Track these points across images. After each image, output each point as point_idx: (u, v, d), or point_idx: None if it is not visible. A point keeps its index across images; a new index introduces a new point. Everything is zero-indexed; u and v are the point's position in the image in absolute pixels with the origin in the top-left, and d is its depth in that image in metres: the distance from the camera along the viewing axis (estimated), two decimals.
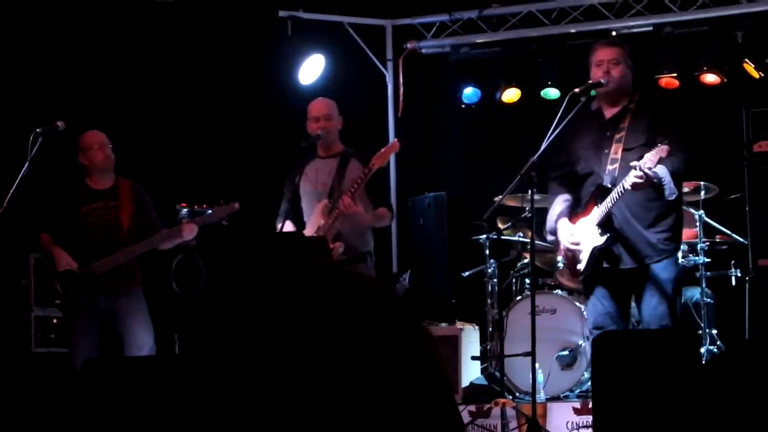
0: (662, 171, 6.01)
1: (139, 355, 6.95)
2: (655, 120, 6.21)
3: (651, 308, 6.22)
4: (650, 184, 6.03)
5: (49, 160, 7.03)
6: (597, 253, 6.26)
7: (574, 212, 6.40)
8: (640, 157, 5.94)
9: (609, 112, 6.37)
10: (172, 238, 7.14)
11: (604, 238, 6.21)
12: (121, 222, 7.15)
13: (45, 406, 7.11)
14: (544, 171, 6.59)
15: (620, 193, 6.11)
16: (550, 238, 6.72)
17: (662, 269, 6.20)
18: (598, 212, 6.24)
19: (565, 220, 6.40)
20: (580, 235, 6.31)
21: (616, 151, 6.19)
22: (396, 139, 7.04)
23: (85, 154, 7.22)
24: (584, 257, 6.29)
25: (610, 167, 6.19)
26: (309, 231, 6.91)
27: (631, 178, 5.98)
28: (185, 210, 7.15)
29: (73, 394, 6.34)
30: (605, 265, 6.28)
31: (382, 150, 7.00)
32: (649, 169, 5.91)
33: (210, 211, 7.11)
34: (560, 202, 6.49)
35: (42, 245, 7.19)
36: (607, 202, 6.19)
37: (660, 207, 6.18)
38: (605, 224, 6.23)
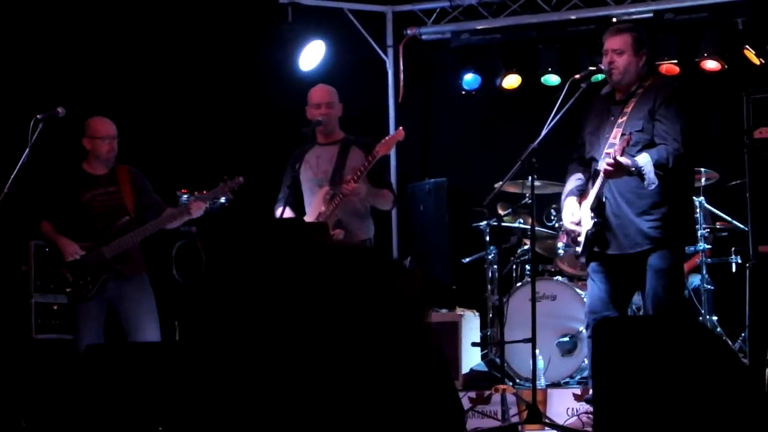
0: (643, 160, 5.98)
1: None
2: (655, 107, 6.18)
3: (648, 298, 6.21)
4: (627, 173, 6.01)
5: (49, 146, 7.02)
6: (590, 237, 6.26)
7: (582, 195, 6.40)
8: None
9: (618, 96, 6.37)
10: (179, 217, 7.14)
11: (593, 222, 6.22)
12: (125, 206, 7.17)
13: (46, 393, 7.12)
14: (548, 156, 6.59)
15: (603, 179, 6.13)
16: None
17: (658, 258, 6.16)
18: (590, 197, 6.26)
19: (572, 199, 6.40)
20: (581, 218, 6.33)
21: (615, 135, 6.17)
22: (401, 128, 7.02)
23: (92, 142, 7.22)
24: (581, 240, 6.31)
25: (607, 151, 6.17)
26: (310, 218, 6.91)
27: (602, 164, 6.00)
28: (185, 196, 7.15)
29: (74, 381, 6.35)
30: (596, 249, 6.29)
31: (387, 138, 7.00)
32: (631, 157, 5.94)
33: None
34: (572, 181, 6.48)
35: (44, 233, 7.17)
36: (596, 187, 6.20)
37: (655, 195, 6.11)
38: (597, 209, 6.23)
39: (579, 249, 6.35)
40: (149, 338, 7.08)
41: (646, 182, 6.00)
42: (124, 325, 7.18)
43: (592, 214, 6.23)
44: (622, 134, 6.10)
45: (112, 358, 6.43)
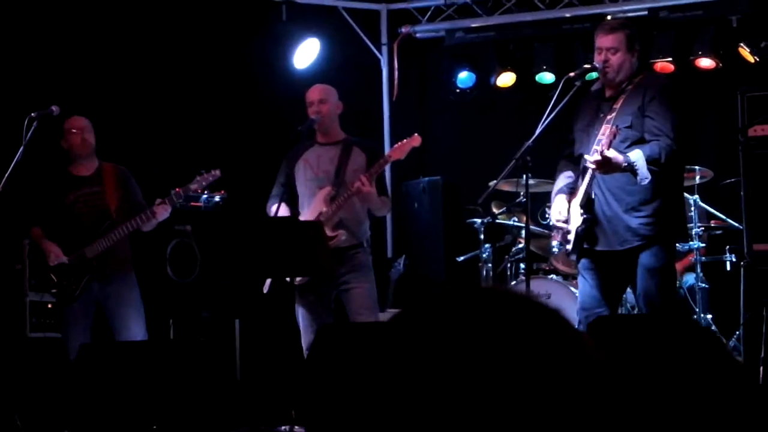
0: (635, 155, 5.94)
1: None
2: (645, 102, 6.16)
3: (640, 297, 6.17)
4: (619, 168, 5.99)
5: (43, 145, 7.00)
6: (580, 234, 6.22)
7: (572, 193, 6.37)
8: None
9: (607, 93, 6.34)
10: (147, 221, 7.08)
11: (582, 219, 6.19)
12: (108, 206, 7.13)
13: (40, 391, 7.12)
14: (542, 154, 6.57)
15: (591, 175, 6.10)
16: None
17: (649, 257, 6.09)
18: (579, 193, 6.23)
19: (561, 197, 6.36)
20: (570, 216, 6.29)
21: (604, 131, 6.13)
22: (416, 134, 7.01)
23: (65, 138, 7.20)
24: (571, 238, 6.28)
25: (596, 148, 6.13)
26: (309, 217, 6.88)
27: (588, 159, 5.98)
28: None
29: (68, 380, 6.35)
30: (585, 245, 6.25)
31: (403, 142, 7.01)
32: (623, 152, 5.91)
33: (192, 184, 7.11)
34: (562, 179, 6.42)
35: (33, 239, 7.18)
36: (584, 183, 6.17)
37: (644, 191, 6.06)
38: (586, 206, 6.20)
39: (569, 247, 6.31)
40: (135, 337, 7.06)
41: (638, 178, 5.96)
42: (111, 324, 7.15)
43: (581, 211, 6.20)
44: (619, 128, 6.07)
45: (107, 356, 6.44)
